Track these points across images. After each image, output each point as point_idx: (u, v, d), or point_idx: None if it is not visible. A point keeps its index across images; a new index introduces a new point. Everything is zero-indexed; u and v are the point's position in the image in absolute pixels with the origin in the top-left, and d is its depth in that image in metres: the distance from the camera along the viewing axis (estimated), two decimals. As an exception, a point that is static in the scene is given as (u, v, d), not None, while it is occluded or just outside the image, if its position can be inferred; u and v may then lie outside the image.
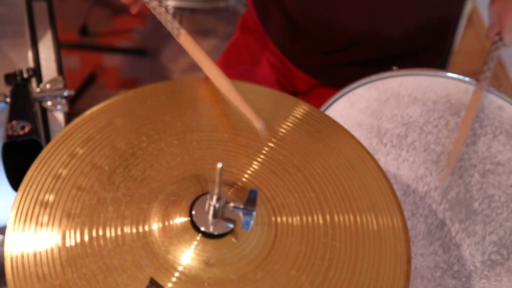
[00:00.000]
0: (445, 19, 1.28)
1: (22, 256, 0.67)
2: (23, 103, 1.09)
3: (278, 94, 0.89)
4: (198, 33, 2.37)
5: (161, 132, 0.80)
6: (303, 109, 0.86)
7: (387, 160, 1.05)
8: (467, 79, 1.15)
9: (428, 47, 1.31)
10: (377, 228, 0.74)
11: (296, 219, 0.73)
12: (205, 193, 0.71)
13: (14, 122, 1.01)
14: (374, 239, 0.73)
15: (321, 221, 0.73)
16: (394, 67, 1.16)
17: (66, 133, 0.77)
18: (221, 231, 0.68)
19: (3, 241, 1.10)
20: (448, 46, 1.37)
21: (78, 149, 0.76)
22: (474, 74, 1.16)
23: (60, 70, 1.23)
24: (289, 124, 0.83)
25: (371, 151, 0.83)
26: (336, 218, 0.74)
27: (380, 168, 0.80)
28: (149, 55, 2.34)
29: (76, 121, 0.79)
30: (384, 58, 1.28)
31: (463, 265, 0.96)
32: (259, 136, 0.79)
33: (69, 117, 1.19)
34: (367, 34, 1.22)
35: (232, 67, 1.38)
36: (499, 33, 1.16)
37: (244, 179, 0.76)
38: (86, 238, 0.68)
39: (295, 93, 1.42)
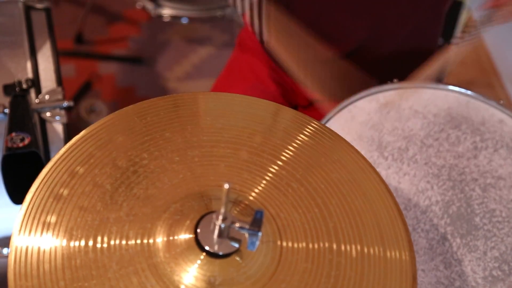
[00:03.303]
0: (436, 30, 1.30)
1: (26, 279, 0.65)
2: (22, 114, 1.09)
3: (278, 107, 0.88)
4: (194, 41, 2.37)
5: (162, 148, 0.78)
6: (304, 122, 0.85)
7: (388, 173, 1.05)
8: (469, 92, 1.15)
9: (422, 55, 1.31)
10: (382, 243, 0.74)
11: (301, 236, 0.72)
12: (210, 212, 0.71)
13: (13, 134, 1.01)
14: (379, 254, 0.73)
15: (325, 237, 0.73)
16: (395, 80, 1.16)
17: (65, 152, 0.76)
18: (226, 250, 0.68)
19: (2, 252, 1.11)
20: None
21: (78, 167, 0.74)
22: (470, 84, 1.16)
23: (59, 81, 1.22)
24: (290, 137, 0.82)
25: (372, 165, 0.83)
26: (340, 233, 0.73)
27: (383, 181, 0.80)
28: (144, 63, 2.33)
29: (75, 139, 0.77)
30: (382, 69, 1.28)
31: (464, 281, 0.96)
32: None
33: (68, 127, 1.18)
34: (367, 45, 1.22)
35: (236, 84, 1.38)
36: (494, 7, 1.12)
37: (247, 196, 0.75)
38: (90, 259, 0.67)
39: (296, 107, 1.41)
